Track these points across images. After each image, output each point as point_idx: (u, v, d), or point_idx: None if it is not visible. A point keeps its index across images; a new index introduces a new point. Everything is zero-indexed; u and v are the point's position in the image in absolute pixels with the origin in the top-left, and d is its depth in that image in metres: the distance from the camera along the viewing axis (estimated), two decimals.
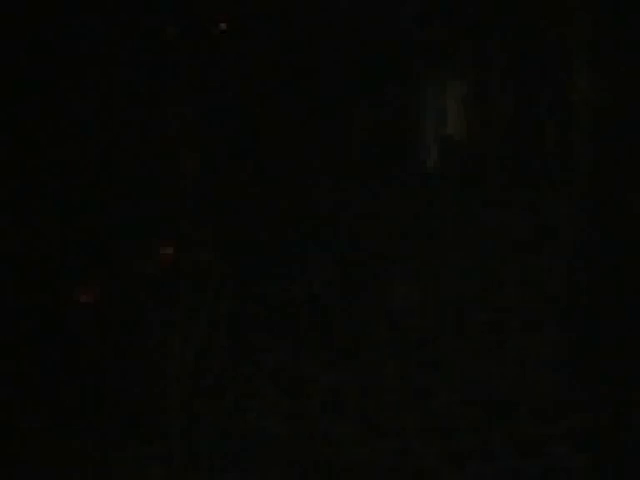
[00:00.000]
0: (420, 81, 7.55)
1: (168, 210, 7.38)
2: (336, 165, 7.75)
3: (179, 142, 7.83)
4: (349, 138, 7.99)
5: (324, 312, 6.49)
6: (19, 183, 6.82)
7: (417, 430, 5.05)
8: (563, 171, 6.87)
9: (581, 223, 6.26)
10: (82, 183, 7.17)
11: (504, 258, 6.58)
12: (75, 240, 6.86)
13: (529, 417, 5.14)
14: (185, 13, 7.38)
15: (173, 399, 5.38)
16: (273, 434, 4.99)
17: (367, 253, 6.99)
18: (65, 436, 5.12)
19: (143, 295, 6.29)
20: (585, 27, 6.41)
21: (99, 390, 5.54)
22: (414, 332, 6.07)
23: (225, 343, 5.95)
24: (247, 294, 6.35)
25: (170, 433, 5.08)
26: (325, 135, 8.28)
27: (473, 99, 7.56)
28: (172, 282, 6.38)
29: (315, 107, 8.26)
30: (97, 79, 7.23)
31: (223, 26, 7.53)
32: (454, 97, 7.70)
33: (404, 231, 7.06)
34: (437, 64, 7.57)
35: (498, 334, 6.02)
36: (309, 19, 7.95)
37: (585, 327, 5.77)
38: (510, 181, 7.12)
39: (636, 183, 6.33)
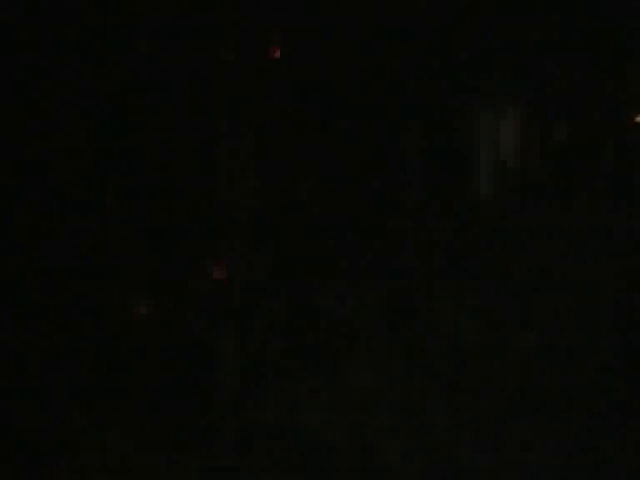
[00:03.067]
0: (474, 106, 7.61)
1: (222, 229, 7.53)
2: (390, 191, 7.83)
3: (235, 164, 8.02)
4: (404, 165, 8.07)
5: (373, 331, 6.53)
6: (76, 202, 7.06)
7: None
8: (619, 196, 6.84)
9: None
10: (137, 203, 7.38)
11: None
12: (131, 258, 7.05)
13: None
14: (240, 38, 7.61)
15: (224, 411, 5.45)
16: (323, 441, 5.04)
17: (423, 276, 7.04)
18: (117, 442, 5.24)
19: (196, 310, 6.41)
20: None
21: (153, 398, 5.65)
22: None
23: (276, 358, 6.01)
24: (298, 311, 6.42)
25: (219, 440, 5.15)
26: (380, 163, 8.37)
27: (527, 124, 7.59)
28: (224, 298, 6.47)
29: (369, 134, 8.37)
30: (155, 101, 7.49)
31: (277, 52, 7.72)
32: (508, 122, 7.74)
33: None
34: (493, 87, 7.63)
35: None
36: (364, 44, 8.09)
37: None
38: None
39: None
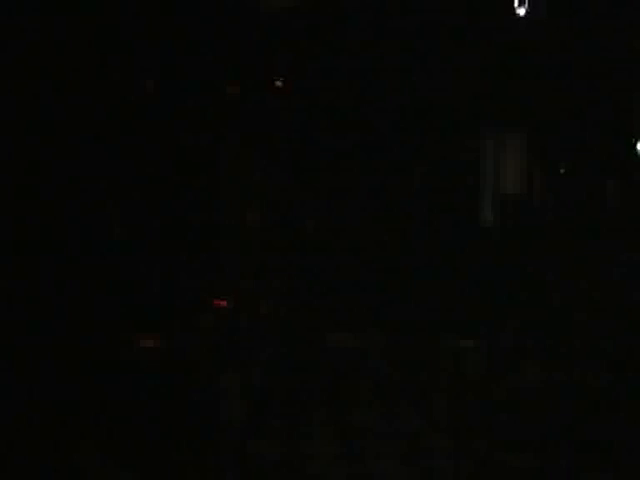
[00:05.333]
0: (479, 136, 7.61)
1: (228, 263, 7.53)
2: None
3: (242, 198, 8.04)
4: (409, 192, 8.07)
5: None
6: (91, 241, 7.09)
7: None
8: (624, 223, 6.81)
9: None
10: (145, 240, 7.39)
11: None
12: (140, 290, 7.05)
13: None
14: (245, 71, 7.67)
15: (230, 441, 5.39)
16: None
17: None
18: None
19: (201, 343, 6.39)
20: None
21: (158, 430, 5.61)
22: None
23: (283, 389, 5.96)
24: (307, 342, 6.39)
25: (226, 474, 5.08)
26: (386, 190, 8.36)
27: (530, 154, 7.58)
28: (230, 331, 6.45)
29: (375, 162, 8.38)
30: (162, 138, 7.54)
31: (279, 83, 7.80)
32: (511, 152, 7.73)
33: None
34: (495, 118, 7.64)
35: None
36: (370, 76, 8.15)
37: None
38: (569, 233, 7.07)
39: None
